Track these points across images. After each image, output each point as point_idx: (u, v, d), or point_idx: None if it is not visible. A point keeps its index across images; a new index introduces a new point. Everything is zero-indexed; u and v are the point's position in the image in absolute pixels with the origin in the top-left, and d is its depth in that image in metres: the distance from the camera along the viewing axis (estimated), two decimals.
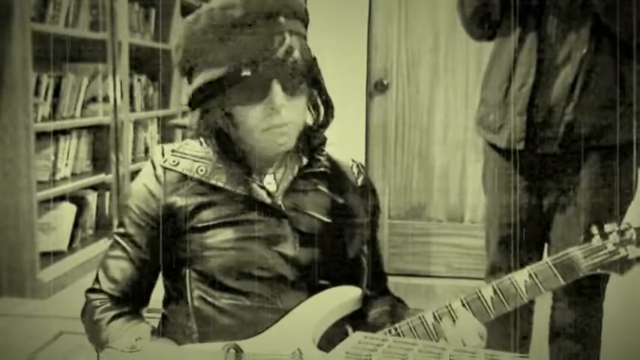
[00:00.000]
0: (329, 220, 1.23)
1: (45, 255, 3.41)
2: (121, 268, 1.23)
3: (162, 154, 1.24)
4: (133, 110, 4.37)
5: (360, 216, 1.28)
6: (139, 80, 4.49)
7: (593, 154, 1.75)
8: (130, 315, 1.22)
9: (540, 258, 1.94)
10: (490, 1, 1.76)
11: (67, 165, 3.76)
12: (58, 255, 3.53)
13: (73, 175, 3.82)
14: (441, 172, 3.61)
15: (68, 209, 3.72)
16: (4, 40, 3.15)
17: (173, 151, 1.25)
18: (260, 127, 1.16)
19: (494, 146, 1.87)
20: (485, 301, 1.17)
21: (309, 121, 1.26)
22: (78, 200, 3.83)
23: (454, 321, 1.16)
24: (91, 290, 1.26)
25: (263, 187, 1.21)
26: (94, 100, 3.94)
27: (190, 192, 1.20)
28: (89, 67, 3.91)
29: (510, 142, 1.79)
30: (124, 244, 1.23)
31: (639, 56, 1.71)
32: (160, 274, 1.26)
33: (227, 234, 1.17)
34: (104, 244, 3.85)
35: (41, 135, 3.43)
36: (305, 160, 1.25)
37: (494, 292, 1.18)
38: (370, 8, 3.50)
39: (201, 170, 1.21)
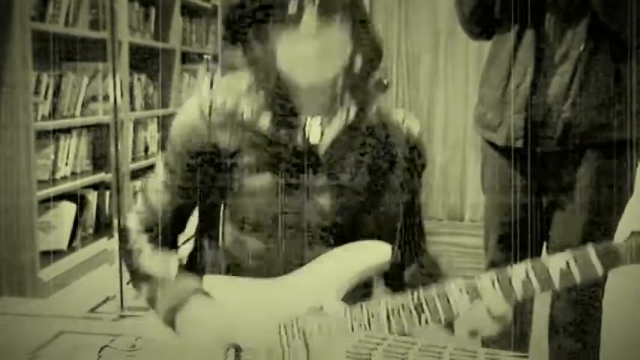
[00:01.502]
0: (370, 178, 1.21)
1: (45, 254, 3.41)
2: (159, 194, 1.23)
3: (211, 86, 1.23)
4: (133, 109, 4.36)
5: (403, 176, 1.25)
6: (139, 79, 4.48)
7: (591, 152, 1.75)
8: (162, 246, 1.23)
9: (539, 256, 1.94)
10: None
11: (67, 164, 3.76)
12: (58, 254, 3.53)
13: (73, 174, 3.82)
14: (441, 171, 3.62)
15: (68, 208, 3.72)
16: (4, 40, 3.15)
17: (220, 85, 1.22)
18: (294, 53, 1.09)
19: (492, 144, 1.88)
20: (513, 283, 1.09)
21: (357, 62, 1.17)
22: (78, 199, 3.83)
23: (475, 299, 1.10)
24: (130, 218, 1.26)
25: (306, 136, 1.17)
26: (94, 99, 3.94)
27: (234, 132, 1.18)
28: (89, 66, 3.90)
29: (509, 140, 1.79)
30: (164, 172, 1.23)
31: (637, 55, 1.71)
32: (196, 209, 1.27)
33: (265, 178, 1.17)
34: (104, 243, 3.85)
35: (41, 134, 3.43)
36: (353, 111, 1.18)
37: (527, 274, 1.09)
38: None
39: (247, 112, 1.17)
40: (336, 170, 1.19)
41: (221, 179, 1.19)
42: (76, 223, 3.80)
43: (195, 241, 1.29)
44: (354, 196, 1.19)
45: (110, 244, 3.64)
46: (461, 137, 3.55)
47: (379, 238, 1.18)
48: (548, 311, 1.94)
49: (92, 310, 3.10)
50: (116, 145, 2.95)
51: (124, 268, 3.09)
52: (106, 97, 3.50)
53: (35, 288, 3.27)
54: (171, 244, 1.26)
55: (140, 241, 1.22)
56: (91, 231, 3.98)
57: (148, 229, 1.23)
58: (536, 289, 1.08)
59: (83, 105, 3.84)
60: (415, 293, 1.10)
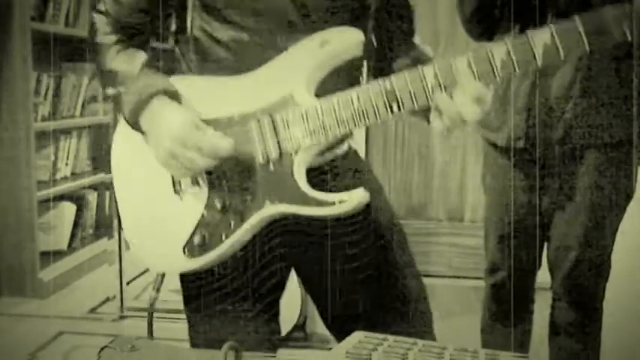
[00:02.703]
0: None
1: (45, 254, 3.41)
2: None
3: None
4: None
5: None
6: None
7: (592, 153, 1.75)
8: (131, 45, 1.21)
9: (540, 257, 1.94)
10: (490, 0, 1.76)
11: (67, 164, 3.77)
12: (57, 254, 3.54)
13: (73, 174, 3.83)
14: (441, 172, 3.62)
15: (68, 209, 3.72)
16: (4, 40, 3.15)
17: None
18: None
19: (493, 145, 1.87)
20: (495, 62, 1.05)
21: None
22: (78, 200, 3.83)
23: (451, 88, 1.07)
24: (98, 11, 1.23)
25: None
26: (94, 99, 3.95)
27: None
28: (89, 67, 3.91)
29: (510, 141, 1.79)
30: None
31: (637, 55, 1.71)
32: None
33: None
34: (104, 243, 3.85)
35: (41, 134, 3.43)
36: None
37: (508, 53, 1.04)
38: None
39: None
40: None
41: None
42: (76, 224, 3.80)
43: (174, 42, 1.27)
44: None
45: (110, 244, 3.64)
46: (461, 138, 3.55)
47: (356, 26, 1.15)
48: (549, 311, 1.94)
49: (92, 311, 3.11)
50: None
51: (124, 267, 3.06)
52: (106, 98, 3.50)
53: (35, 288, 3.27)
54: (140, 45, 1.23)
55: (107, 39, 1.20)
56: (90, 231, 3.99)
57: (115, 29, 1.21)
58: (515, 68, 1.03)
59: (83, 105, 3.85)
60: (387, 80, 1.08)
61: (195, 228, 1.14)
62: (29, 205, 3.25)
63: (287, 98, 1.11)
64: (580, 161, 1.76)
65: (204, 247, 1.13)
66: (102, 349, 1.08)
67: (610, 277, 1.85)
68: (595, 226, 1.77)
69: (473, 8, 1.79)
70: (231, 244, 1.13)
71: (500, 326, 1.99)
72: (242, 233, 1.13)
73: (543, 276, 1.94)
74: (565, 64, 1.71)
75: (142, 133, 1.16)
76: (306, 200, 1.10)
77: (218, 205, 1.14)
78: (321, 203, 1.10)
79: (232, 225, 1.13)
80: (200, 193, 1.15)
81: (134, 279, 3.38)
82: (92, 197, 3.99)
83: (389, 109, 1.09)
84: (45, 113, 3.52)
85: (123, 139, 1.24)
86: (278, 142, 1.11)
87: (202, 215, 1.14)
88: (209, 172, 1.14)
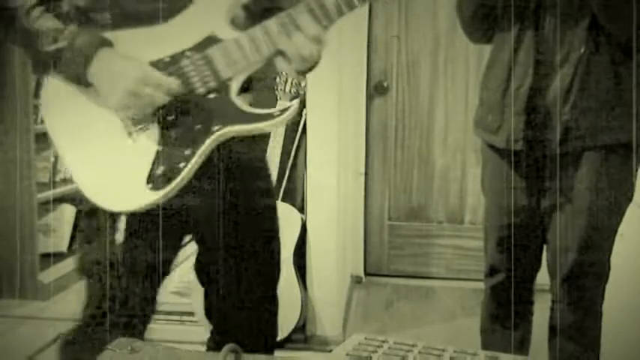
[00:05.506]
0: None
1: (45, 256, 3.41)
2: None
3: None
4: None
5: None
6: None
7: (591, 155, 1.75)
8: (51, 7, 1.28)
9: (539, 259, 1.94)
10: (489, 2, 1.77)
11: None
12: (57, 256, 3.53)
13: None
14: (441, 174, 3.62)
15: (68, 211, 3.72)
16: (4, 41, 3.15)
17: None
18: None
19: (492, 147, 1.88)
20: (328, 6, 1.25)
21: None
22: (78, 202, 3.83)
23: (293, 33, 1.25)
24: None
25: None
26: None
27: None
28: None
29: (509, 143, 1.80)
30: None
31: (637, 58, 1.71)
32: None
33: None
34: None
35: (41, 136, 3.43)
36: None
37: None
38: (370, 11, 3.51)
39: None
40: None
41: None
42: (76, 226, 3.80)
43: None
44: None
45: None
46: (461, 140, 3.55)
47: None
48: (548, 314, 1.94)
49: None
50: None
51: None
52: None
53: (35, 290, 3.27)
54: (57, 7, 1.30)
55: (28, 1, 1.26)
56: None
57: None
58: (344, 10, 1.26)
59: None
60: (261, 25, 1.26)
61: (154, 162, 1.26)
62: (29, 207, 3.25)
63: (211, 35, 1.26)
64: (579, 163, 1.76)
65: (166, 177, 1.25)
66: (102, 351, 1.08)
67: (610, 279, 1.85)
68: (594, 228, 1.77)
69: (472, 11, 1.80)
70: (189, 171, 1.26)
71: (500, 328, 1.99)
72: (197, 160, 1.26)
73: (543, 277, 1.94)
74: (564, 66, 1.71)
75: (86, 86, 1.26)
76: (249, 118, 1.26)
77: (172, 138, 1.26)
78: (264, 118, 1.26)
79: (187, 153, 1.25)
80: (152, 131, 1.27)
81: None
82: None
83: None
84: None
85: (57, 100, 1.35)
86: (214, 73, 1.26)
87: (158, 150, 1.26)
88: (161, 108, 1.26)
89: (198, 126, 1.26)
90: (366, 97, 3.54)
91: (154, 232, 1.30)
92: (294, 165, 3.06)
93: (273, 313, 1.54)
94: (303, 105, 2.86)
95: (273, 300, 1.53)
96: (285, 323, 2.76)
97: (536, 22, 1.73)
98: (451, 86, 3.53)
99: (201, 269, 1.53)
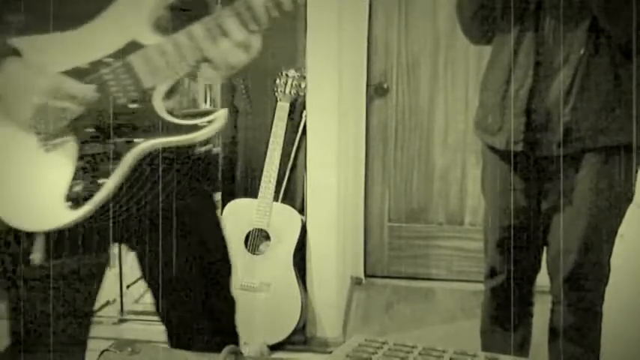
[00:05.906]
0: None
1: None
2: None
3: None
4: None
5: None
6: None
7: (591, 156, 1.75)
8: None
9: (539, 261, 1.94)
10: (489, 3, 1.77)
11: None
12: None
13: None
14: (441, 175, 3.62)
15: None
16: None
17: None
18: None
19: (492, 148, 1.88)
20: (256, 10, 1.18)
21: None
22: None
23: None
24: None
25: None
26: None
27: None
28: None
29: (509, 144, 1.80)
30: None
31: (637, 59, 1.71)
32: None
33: None
34: None
35: None
36: None
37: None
38: (370, 11, 3.51)
39: None
40: None
41: None
42: None
43: None
44: None
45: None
46: (461, 141, 3.55)
47: None
48: (548, 315, 1.94)
49: None
50: None
51: (124, 271, 3.06)
52: None
53: None
54: None
55: None
56: None
57: None
58: (272, 13, 1.17)
59: None
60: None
61: (73, 178, 1.18)
62: None
63: (133, 40, 1.18)
64: (579, 165, 1.76)
65: (86, 194, 1.17)
66: (102, 352, 1.08)
67: (610, 280, 1.85)
68: (594, 229, 1.77)
69: (472, 12, 1.80)
70: (110, 187, 1.18)
71: (500, 329, 1.99)
72: (120, 172, 1.19)
73: (543, 279, 1.94)
74: (564, 67, 1.71)
75: None
76: (174, 130, 1.19)
77: (91, 152, 1.18)
78: (190, 129, 1.19)
79: (109, 168, 1.18)
80: (69, 145, 1.19)
81: (134, 282, 3.38)
82: None
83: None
84: None
85: None
86: (135, 82, 1.19)
87: (76, 165, 1.18)
88: (78, 120, 1.17)
89: (120, 139, 1.19)
90: (366, 98, 3.54)
91: (77, 248, 1.23)
92: (294, 166, 3.06)
93: (229, 314, 1.46)
94: (303, 106, 2.86)
95: (225, 300, 1.46)
96: (285, 325, 2.76)
97: (536, 23, 1.73)
98: (451, 87, 3.53)
99: (146, 276, 1.45)
